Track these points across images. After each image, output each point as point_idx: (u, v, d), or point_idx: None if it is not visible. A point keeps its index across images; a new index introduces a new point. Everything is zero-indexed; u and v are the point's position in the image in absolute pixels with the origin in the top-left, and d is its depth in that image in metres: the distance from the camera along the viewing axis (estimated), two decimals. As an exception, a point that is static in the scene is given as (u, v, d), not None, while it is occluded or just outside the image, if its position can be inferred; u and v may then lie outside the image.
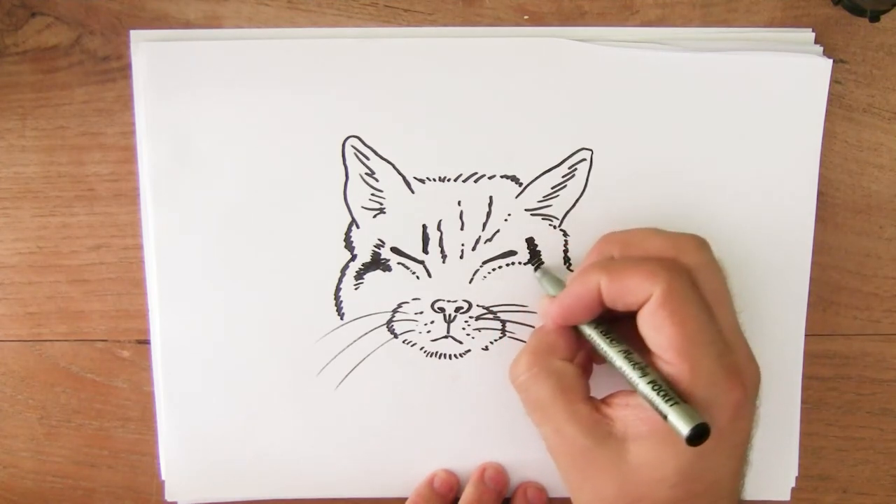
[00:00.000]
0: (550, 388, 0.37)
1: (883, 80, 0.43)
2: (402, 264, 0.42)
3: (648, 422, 0.35)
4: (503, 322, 0.43)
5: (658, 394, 0.34)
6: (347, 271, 0.42)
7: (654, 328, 0.35)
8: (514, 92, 0.41)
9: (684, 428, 0.32)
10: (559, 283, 0.41)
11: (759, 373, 0.37)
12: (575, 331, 0.39)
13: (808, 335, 0.43)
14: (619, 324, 0.38)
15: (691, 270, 0.36)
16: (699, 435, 0.32)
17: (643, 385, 0.34)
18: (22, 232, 0.43)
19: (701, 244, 0.37)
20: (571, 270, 0.42)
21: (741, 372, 0.35)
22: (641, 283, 0.35)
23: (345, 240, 0.42)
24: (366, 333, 0.43)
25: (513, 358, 0.42)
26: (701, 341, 0.34)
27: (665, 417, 0.33)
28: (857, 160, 0.43)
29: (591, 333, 0.38)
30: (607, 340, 0.37)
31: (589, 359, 0.41)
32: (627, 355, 0.36)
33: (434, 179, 0.42)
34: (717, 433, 0.34)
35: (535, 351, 0.38)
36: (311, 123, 0.41)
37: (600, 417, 0.36)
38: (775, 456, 0.44)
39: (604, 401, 0.37)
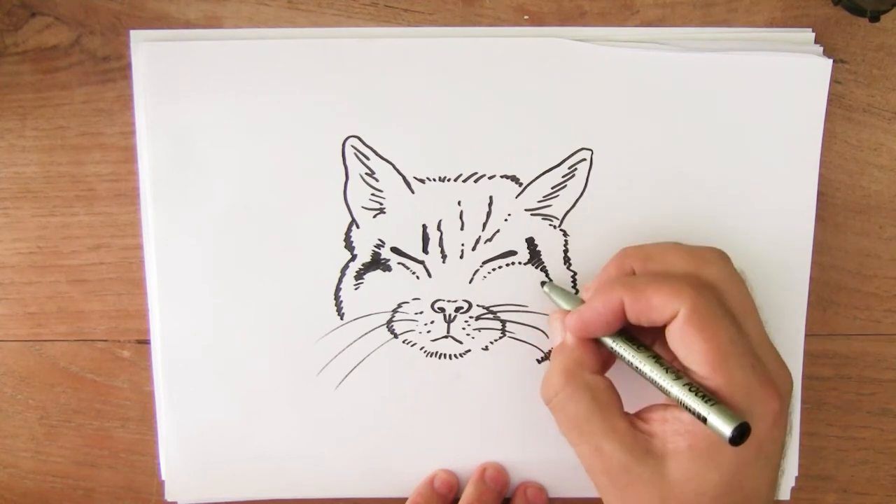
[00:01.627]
0: (587, 405, 0.36)
1: (883, 80, 0.43)
2: (402, 264, 0.42)
3: (688, 436, 0.35)
4: (503, 322, 0.43)
5: (696, 395, 0.33)
6: (347, 271, 0.42)
7: (685, 345, 0.35)
8: (514, 92, 0.41)
9: (726, 428, 0.32)
10: (570, 296, 0.41)
11: (791, 381, 0.37)
12: (598, 342, 0.38)
13: (808, 335, 0.43)
14: (642, 333, 0.37)
15: (715, 284, 0.36)
16: (741, 434, 0.32)
17: (678, 388, 0.34)
18: (22, 232, 0.43)
19: (721, 257, 0.37)
20: (572, 270, 0.42)
21: (775, 381, 0.35)
22: (667, 301, 0.35)
23: (345, 240, 0.42)
24: (366, 333, 0.43)
25: (511, 359, 0.42)
26: (733, 354, 0.34)
27: (704, 420, 0.33)
28: (857, 160, 0.43)
29: (615, 345, 0.37)
30: (633, 348, 0.37)
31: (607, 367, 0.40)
32: (656, 362, 0.36)
33: (434, 179, 0.42)
34: (756, 443, 0.34)
35: (567, 368, 0.37)
36: (311, 123, 0.41)
37: (639, 434, 0.36)
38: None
39: (639, 416, 0.37)
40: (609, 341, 0.38)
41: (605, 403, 0.36)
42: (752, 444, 0.34)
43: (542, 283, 0.42)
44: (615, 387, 0.38)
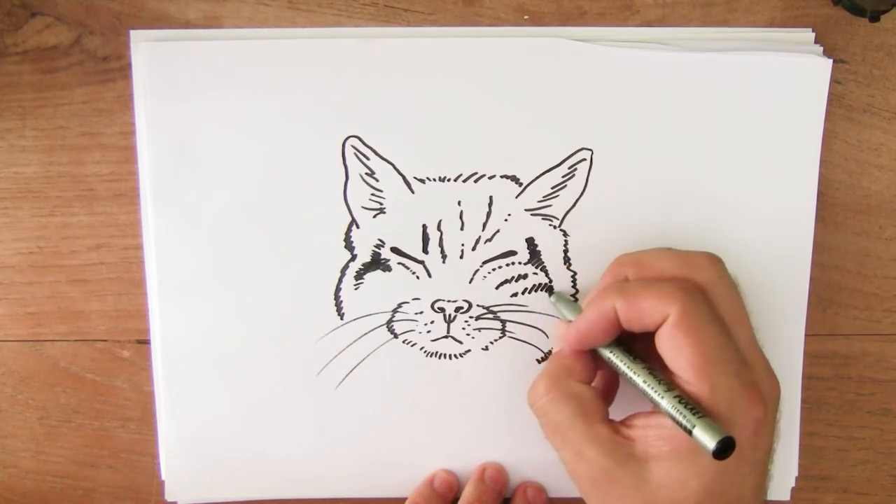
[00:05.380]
0: (569, 411, 0.37)
1: (883, 80, 0.43)
2: (402, 264, 0.42)
3: (670, 440, 0.35)
4: (503, 322, 0.43)
5: (684, 408, 0.34)
6: (347, 271, 0.42)
7: (672, 349, 0.35)
8: (513, 92, 0.41)
9: (710, 442, 0.32)
10: (575, 307, 0.41)
11: (778, 388, 0.37)
12: (592, 354, 0.39)
13: (808, 335, 0.43)
14: (637, 343, 0.38)
15: (706, 289, 0.36)
16: (724, 448, 0.32)
17: (668, 401, 0.34)
18: (22, 232, 0.43)
19: (714, 262, 0.38)
20: (572, 270, 0.42)
21: (760, 388, 0.35)
22: (657, 305, 0.35)
23: (345, 240, 0.42)
24: (366, 333, 0.43)
25: (511, 359, 0.42)
26: (719, 359, 0.34)
27: (690, 432, 0.33)
28: (857, 160, 0.43)
29: (610, 356, 0.38)
30: (628, 359, 0.37)
31: (608, 383, 0.41)
32: (650, 373, 0.36)
33: (434, 179, 0.42)
34: (738, 450, 0.34)
35: (553, 375, 0.38)
36: (311, 123, 0.41)
37: (620, 439, 0.36)
38: (775, 456, 0.44)
39: (623, 423, 0.37)
40: (606, 352, 0.38)
41: (588, 411, 0.37)
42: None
43: (550, 294, 0.42)
44: (600, 396, 0.38)
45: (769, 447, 0.36)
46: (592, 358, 0.39)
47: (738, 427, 0.34)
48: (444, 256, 0.42)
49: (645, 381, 0.36)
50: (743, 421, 0.34)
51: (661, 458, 0.35)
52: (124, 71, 0.42)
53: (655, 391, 0.35)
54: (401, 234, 0.42)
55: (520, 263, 0.42)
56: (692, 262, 0.37)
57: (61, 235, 0.43)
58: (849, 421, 0.45)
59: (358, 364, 0.43)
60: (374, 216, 0.42)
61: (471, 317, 0.43)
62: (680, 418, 0.33)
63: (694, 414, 0.33)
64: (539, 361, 0.43)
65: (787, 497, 0.45)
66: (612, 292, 0.37)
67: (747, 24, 0.42)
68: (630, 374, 0.37)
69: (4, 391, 0.45)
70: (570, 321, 0.40)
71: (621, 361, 0.37)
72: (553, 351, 0.41)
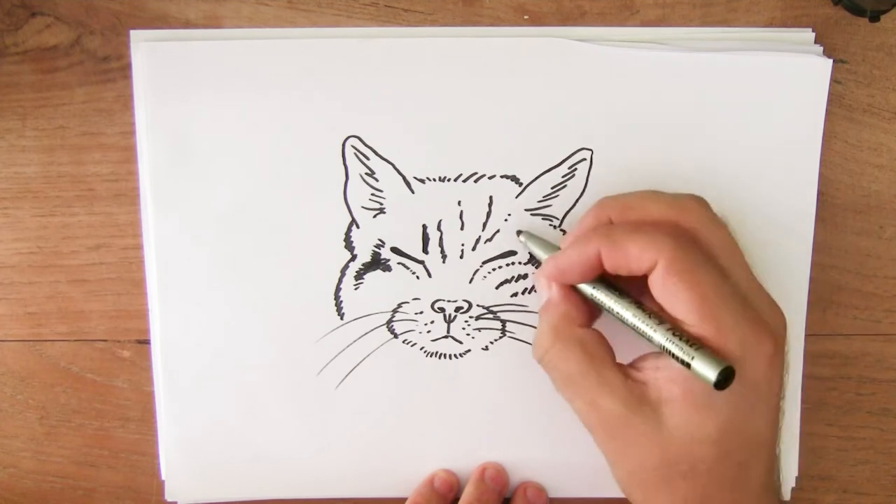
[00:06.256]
0: (578, 359, 0.36)
1: (883, 80, 0.43)
2: (402, 264, 0.42)
3: (681, 383, 0.34)
4: (503, 322, 0.43)
5: (679, 340, 0.33)
6: (347, 271, 0.42)
7: (669, 294, 0.34)
8: (514, 92, 0.41)
9: (710, 373, 0.31)
10: (547, 245, 0.40)
11: (784, 320, 0.36)
12: (585, 296, 0.38)
13: (808, 335, 0.43)
14: (628, 286, 0.37)
15: (694, 231, 0.35)
16: (726, 378, 0.31)
17: (661, 335, 0.33)
18: (22, 232, 0.43)
19: (700, 203, 0.37)
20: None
21: (767, 322, 0.34)
22: (644, 250, 0.34)
23: (345, 240, 0.42)
24: (366, 333, 0.43)
25: (511, 359, 0.42)
26: (719, 298, 0.34)
27: (688, 365, 0.32)
28: (857, 160, 0.43)
29: (593, 292, 0.37)
30: (614, 295, 0.36)
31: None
32: (639, 307, 0.35)
33: (434, 179, 0.42)
34: (753, 386, 0.33)
35: (554, 324, 0.37)
36: (311, 123, 0.41)
37: (632, 384, 0.35)
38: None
39: (632, 365, 0.36)
40: (588, 289, 0.37)
41: (597, 356, 0.36)
42: (747, 388, 0.33)
43: (518, 232, 0.42)
44: (606, 338, 0.37)
45: (781, 381, 0.36)
46: (586, 300, 0.38)
47: (750, 364, 0.33)
48: (444, 256, 0.42)
49: (635, 316, 0.35)
50: (754, 357, 0.34)
51: (674, 401, 0.34)
52: (124, 71, 0.42)
53: (647, 325, 0.34)
54: (401, 234, 0.42)
55: (520, 263, 0.42)
56: (678, 205, 0.36)
57: (61, 235, 0.43)
58: (849, 421, 0.45)
59: (358, 364, 0.43)
60: (374, 216, 0.42)
61: (471, 317, 0.43)
62: (677, 351, 0.33)
63: (690, 346, 0.32)
64: (539, 361, 0.43)
65: (787, 497, 0.45)
66: (596, 235, 0.36)
67: (747, 24, 0.42)
68: (618, 310, 0.35)
69: (4, 391, 0.45)
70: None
71: (607, 298, 0.36)
72: (539, 300, 0.39)
